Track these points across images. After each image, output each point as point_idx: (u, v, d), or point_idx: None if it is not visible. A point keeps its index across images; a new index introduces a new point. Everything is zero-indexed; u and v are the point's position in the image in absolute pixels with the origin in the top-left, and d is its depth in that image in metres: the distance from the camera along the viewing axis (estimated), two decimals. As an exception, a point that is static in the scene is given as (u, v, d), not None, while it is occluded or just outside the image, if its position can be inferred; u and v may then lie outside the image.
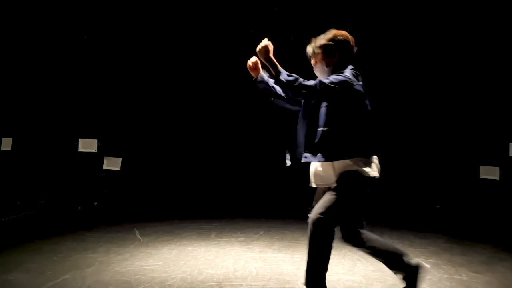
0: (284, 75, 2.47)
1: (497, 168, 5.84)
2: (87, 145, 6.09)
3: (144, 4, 6.46)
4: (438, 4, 6.32)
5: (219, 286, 2.97)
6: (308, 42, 2.70)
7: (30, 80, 5.98)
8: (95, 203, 6.10)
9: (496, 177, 5.85)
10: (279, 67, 2.50)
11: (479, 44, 6.16)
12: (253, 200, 5.94)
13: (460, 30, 6.31)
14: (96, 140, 6.15)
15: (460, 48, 6.37)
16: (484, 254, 4.01)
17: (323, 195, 2.59)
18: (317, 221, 2.46)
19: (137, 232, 4.63)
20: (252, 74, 2.74)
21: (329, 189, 2.58)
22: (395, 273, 2.72)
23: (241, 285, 3.01)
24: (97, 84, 6.38)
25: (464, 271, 3.44)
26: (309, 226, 2.49)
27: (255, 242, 4.32)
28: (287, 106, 2.80)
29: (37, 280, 3.02)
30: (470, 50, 6.27)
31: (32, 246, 3.96)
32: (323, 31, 2.72)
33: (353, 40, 2.65)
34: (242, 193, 6.87)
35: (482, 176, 6.01)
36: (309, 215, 2.57)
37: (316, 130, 2.54)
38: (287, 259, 3.71)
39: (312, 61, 2.67)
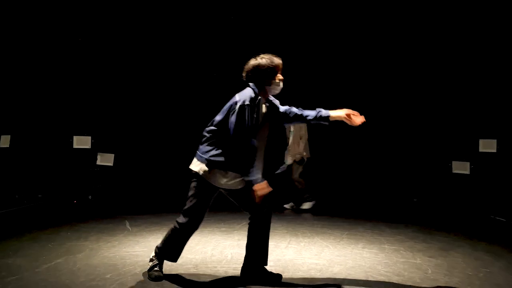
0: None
1: (468, 163, 6.18)
2: (81, 142, 6.41)
3: (135, 5, 6.71)
4: (417, 3, 6.57)
5: (195, 268, 3.32)
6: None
7: (27, 80, 6.25)
8: (90, 197, 6.43)
9: (467, 172, 6.19)
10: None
11: (451, 45, 6.45)
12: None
13: (430, 30, 6.57)
14: (90, 137, 6.45)
15: (433, 49, 6.66)
16: (444, 241, 4.36)
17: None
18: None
19: (127, 223, 4.97)
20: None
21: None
22: None
23: (215, 267, 3.36)
24: (91, 84, 6.67)
25: (420, 256, 3.80)
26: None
27: (235, 231, 4.67)
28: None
29: (33, 263, 3.36)
30: (442, 51, 6.57)
31: (30, 236, 4.29)
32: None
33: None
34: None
35: (454, 171, 6.36)
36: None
37: None
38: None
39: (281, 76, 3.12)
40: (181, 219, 3.13)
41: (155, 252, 3.18)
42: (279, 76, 3.06)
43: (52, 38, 6.36)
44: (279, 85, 3.07)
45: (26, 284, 2.94)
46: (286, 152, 5.94)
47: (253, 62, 3.05)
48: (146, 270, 3.19)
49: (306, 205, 6.09)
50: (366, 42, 7.07)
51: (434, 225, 5.25)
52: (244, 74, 3.10)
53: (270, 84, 3.05)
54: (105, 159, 6.50)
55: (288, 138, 5.94)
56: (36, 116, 6.37)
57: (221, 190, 3.10)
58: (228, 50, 7.11)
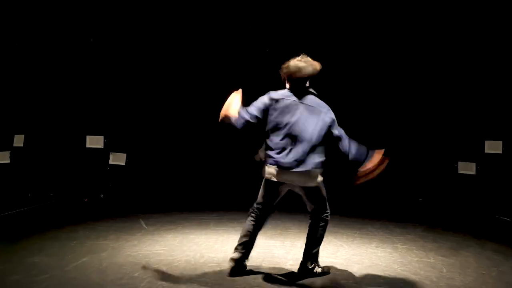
0: None
1: (474, 164, 6.30)
2: (94, 142, 6.50)
3: (146, 6, 6.75)
4: (416, 4, 6.62)
5: (219, 266, 3.44)
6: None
7: (41, 81, 6.33)
8: (101, 196, 6.51)
9: (473, 172, 6.31)
10: None
11: (457, 45, 6.50)
12: (249, 193, 6.34)
13: (436, 31, 6.61)
14: (102, 137, 6.54)
15: (439, 49, 6.70)
16: (453, 241, 4.50)
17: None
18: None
19: (142, 222, 5.05)
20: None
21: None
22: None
23: (238, 266, 3.46)
24: (103, 85, 6.74)
25: (433, 255, 3.93)
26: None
27: (250, 231, 4.77)
28: None
29: (60, 262, 3.45)
30: (448, 51, 6.61)
31: (49, 234, 4.36)
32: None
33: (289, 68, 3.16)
34: (239, 187, 7.30)
35: (460, 171, 6.48)
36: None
37: None
38: (278, 245, 4.17)
39: None
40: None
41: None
42: None
43: (64, 38, 6.42)
44: None
45: (59, 283, 3.03)
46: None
47: (310, 65, 3.16)
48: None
49: None
50: (373, 41, 7.08)
51: (441, 224, 5.38)
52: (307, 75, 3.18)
53: None
54: (117, 159, 6.58)
55: None
56: (50, 115, 6.44)
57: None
58: (239, 49, 7.17)
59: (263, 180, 3.28)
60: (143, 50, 6.95)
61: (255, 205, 3.39)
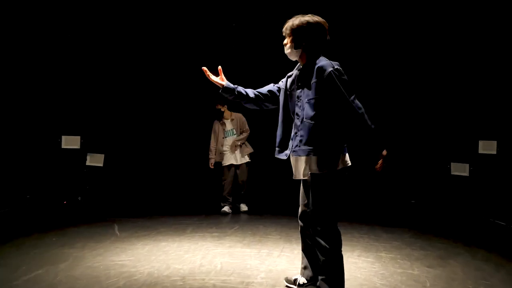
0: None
1: (467, 165, 6.04)
2: (70, 142, 6.24)
3: (124, 4, 6.54)
4: (414, 6, 6.43)
5: (182, 280, 3.17)
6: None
7: (14, 79, 6.06)
8: (79, 198, 6.27)
9: (466, 174, 6.05)
10: None
11: (449, 45, 6.30)
12: (234, 196, 6.13)
13: (428, 32, 6.43)
14: (79, 137, 6.28)
15: (431, 50, 6.51)
16: (442, 248, 4.22)
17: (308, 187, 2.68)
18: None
19: (116, 227, 4.82)
20: (217, 84, 2.92)
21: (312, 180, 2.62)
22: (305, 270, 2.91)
23: (204, 279, 3.20)
24: (79, 82, 6.49)
25: (418, 265, 3.65)
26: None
27: (227, 237, 4.52)
28: (259, 107, 2.98)
29: (11, 275, 3.19)
30: (441, 52, 6.42)
31: (13, 242, 4.12)
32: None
33: (326, 26, 2.68)
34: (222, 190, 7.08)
35: (453, 173, 6.22)
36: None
37: (303, 123, 2.63)
38: (253, 254, 3.90)
39: (285, 41, 2.76)
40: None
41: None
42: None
43: (39, 35, 6.17)
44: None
45: (1, 300, 2.78)
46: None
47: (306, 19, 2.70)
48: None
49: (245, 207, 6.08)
50: (363, 45, 6.92)
51: (432, 229, 5.12)
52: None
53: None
54: (95, 160, 6.33)
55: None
56: (24, 115, 6.18)
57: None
58: (217, 51, 6.98)
59: (341, 171, 2.69)
60: (121, 48, 6.75)
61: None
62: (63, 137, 6.24)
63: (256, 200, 6.56)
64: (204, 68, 2.93)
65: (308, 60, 2.71)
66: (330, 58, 2.74)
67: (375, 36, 6.84)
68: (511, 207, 5.40)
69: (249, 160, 6.01)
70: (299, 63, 2.82)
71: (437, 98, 6.55)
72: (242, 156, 5.94)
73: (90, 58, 6.54)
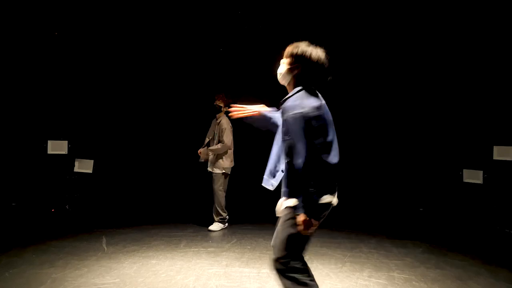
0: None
1: (481, 172, 5.67)
2: (57, 147, 5.85)
3: (113, 5, 6.22)
4: (418, 10, 6.12)
5: (172, 310, 2.80)
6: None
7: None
8: (67, 207, 5.89)
9: (479, 181, 5.68)
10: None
11: (462, 51, 5.99)
12: (232, 204, 5.75)
13: (442, 37, 6.13)
14: (66, 142, 5.90)
15: (444, 55, 6.21)
16: (460, 266, 3.86)
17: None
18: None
19: (104, 241, 4.45)
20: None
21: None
22: None
23: (196, 309, 2.83)
24: (67, 85, 6.13)
25: (436, 289, 3.28)
26: None
27: (224, 253, 4.14)
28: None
29: (-22, 303, 2.83)
30: (454, 57, 6.11)
31: (-12, 259, 3.76)
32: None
33: (326, 62, 2.36)
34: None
35: (465, 180, 5.85)
36: None
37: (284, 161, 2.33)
38: (253, 274, 3.53)
39: (282, 60, 2.42)
40: None
41: None
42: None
43: (26, 37, 5.81)
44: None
45: None
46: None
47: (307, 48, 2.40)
48: None
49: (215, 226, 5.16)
50: (375, 46, 6.62)
51: (446, 242, 4.75)
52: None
53: None
54: (84, 166, 5.95)
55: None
56: (8, 119, 5.81)
57: None
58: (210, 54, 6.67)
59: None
60: (111, 51, 6.42)
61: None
62: (49, 142, 5.85)
63: (256, 210, 6.18)
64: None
65: (291, 92, 2.34)
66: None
67: (387, 39, 6.54)
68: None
69: (221, 172, 5.12)
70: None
71: (450, 100, 6.21)
72: (214, 166, 5.14)
73: (78, 59, 6.21)
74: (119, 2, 6.07)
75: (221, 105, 5.23)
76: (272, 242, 2.40)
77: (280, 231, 2.31)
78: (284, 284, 2.27)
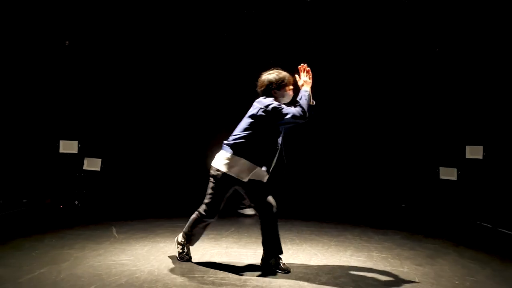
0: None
1: (455, 170, 6.23)
2: (67, 147, 6.31)
3: (124, 10, 6.64)
4: (405, 13, 6.60)
5: (182, 278, 3.28)
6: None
7: (13, 83, 6.14)
8: (76, 202, 6.33)
9: (454, 178, 6.24)
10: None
11: (438, 52, 6.47)
12: (230, 199, 6.23)
13: (421, 37, 6.59)
14: (76, 142, 6.36)
15: (421, 56, 6.67)
16: (431, 248, 4.39)
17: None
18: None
19: (114, 230, 4.90)
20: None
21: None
22: None
23: (202, 277, 3.32)
24: (77, 87, 6.57)
25: (407, 264, 3.80)
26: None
27: (223, 239, 4.63)
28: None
29: (15, 274, 3.28)
30: (430, 58, 6.58)
31: (13, 243, 4.19)
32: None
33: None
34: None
35: (441, 177, 6.41)
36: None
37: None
38: (249, 254, 4.03)
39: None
40: (202, 208, 3.66)
41: (182, 237, 3.74)
42: (289, 87, 3.49)
43: (38, 41, 6.25)
44: (289, 96, 3.51)
45: (8, 296, 2.87)
46: None
47: (263, 77, 3.52)
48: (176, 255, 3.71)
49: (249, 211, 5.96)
50: (356, 50, 7.08)
51: (422, 231, 5.28)
52: (258, 89, 3.53)
53: (282, 95, 3.48)
54: (92, 164, 6.41)
55: None
56: (22, 119, 6.25)
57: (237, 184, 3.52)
58: (218, 54, 7.09)
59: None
60: (120, 52, 6.83)
61: None
62: (61, 142, 6.31)
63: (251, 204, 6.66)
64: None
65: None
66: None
67: (367, 42, 6.97)
68: (497, 210, 5.60)
69: None
70: None
71: (426, 104, 6.74)
72: None
73: (88, 62, 6.61)
74: (130, 7, 6.50)
75: None
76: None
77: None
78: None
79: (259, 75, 3.55)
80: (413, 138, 6.87)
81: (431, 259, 3.98)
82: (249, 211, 6.01)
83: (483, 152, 5.89)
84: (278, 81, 3.44)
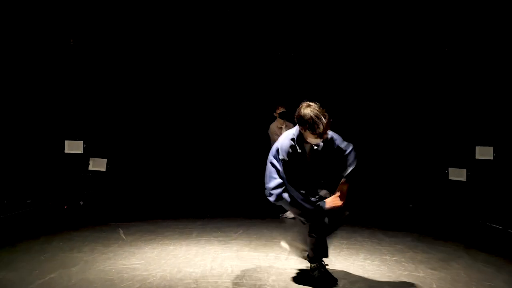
0: None
1: (464, 170, 6.18)
2: (73, 147, 6.25)
3: (126, 9, 6.59)
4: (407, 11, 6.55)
5: (196, 283, 3.23)
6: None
7: (17, 83, 6.08)
8: (81, 203, 6.27)
9: (463, 179, 6.19)
10: None
11: (448, 50, 6.42)
12: (235, 200, 6.19)
13: (429, 36, 6.54)
14: (82, 142, 6.30)
15: (428, 54, 6.62)
16: (444, 251, 4.33)
17: None
18: None
19: (121, 232, 4.85)
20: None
21: None
22: None
23: (216, 282, 3.26)
24: (83, 87, 6.51)
25: (422, 268, 3.75)
26: None
27: (233, 241, 4.58)
28: None
29: (26, 278, 3.23)
30: (439, 57, 6.53)
31: (21, 246, 4.15)
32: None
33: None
34: (225, 193, 7.12)
35: (450, 178, 6.36)
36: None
37: None
38: (261, 257, 3.97)
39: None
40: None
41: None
42: (310, 136, 3.10)
43: (43, 40, 6.19)
44: (309, 141, 3.17)
45: (20, 303, 2.81)
46: None
47: (302, 110, 3.11)
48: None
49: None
50: (360, 49, 7.03)
51: (432, 233, 5.22)
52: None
53: (306, 136, 3.14)
54: (98, 164, 6.35)
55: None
56: (27, 119, 6.19)
57: None
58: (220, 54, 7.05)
59: None
60: (124, 53, 6.78)
61: None
62: (66, 142, 6.25)
63: (257, 204, 6.61)
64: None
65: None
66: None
67: (371, 41, 6.93)
68: (507, 212, 5.54)
69: None
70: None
71: (435, 104, 6.68)
72: None
73: (93, 62, 6.56)
74: (134, 7, 6.45)
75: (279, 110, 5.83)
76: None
77: None
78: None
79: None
80: (422, 138, 6.81)
81: (445, 263, 3.93)
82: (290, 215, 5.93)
83: (494, 152, 5.83)
84: (307, 120, 3.07)
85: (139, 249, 4.16)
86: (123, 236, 4.66)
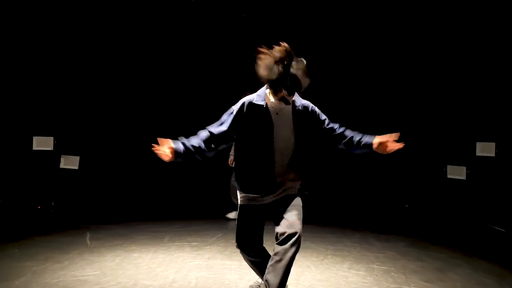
0: None
1: (464, 168, 5.74)
2: (42, 143, 5.82)
3: (100, 4, 6.25)
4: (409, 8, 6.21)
5: (150, 300, 2.81)
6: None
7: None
8: (52, 203, 5.87)
9: (463, 177, 5.75)
10: None
11: (447, 46, 6.05)
12: (220, 200, 5.79)
13: (427, 33, 6.21)
14: (52, 138, 5.88)
15: (429, 50, 6.27)
16: (440, 259, 3.91)
17: None
18: None
19: (88, 236, 4.45)
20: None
21: None
22: None
23: (174, 298, 2.84)
24: (52, 80, 6.10)
25: (414, 279, 3.32)
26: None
27: (207, 247, 4.16)
28: None
29: (-45, 294, 2.82)
30: (439, 53, 6.18)
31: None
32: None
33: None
34: (210, 193, 6.71)
35: (449, 176, 5.92)
36: None
37: None
38: (234, 266, 3.55)
39: None
40: None
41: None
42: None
43: (11, 33, 5.80)
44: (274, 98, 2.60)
45: None
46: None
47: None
48: None
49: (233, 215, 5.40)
50: (359, 48, 6.71)
51: (428, 237, 4.81)
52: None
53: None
54: (70, 162, 5.93)
55: None
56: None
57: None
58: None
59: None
60: (97, 46, 6.42)
61: None
62: (35, 138, 5.81)
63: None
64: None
65: None
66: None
67: (370, 40, 6.62)
68: (510, 213, 5.11)
69: None
70: None
71: (434, 97, 6.28)
72: None
73: (64, 54, 6.17)
74: (114, 5, 6.13)
75: None
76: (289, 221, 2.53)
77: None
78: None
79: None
80: (418, 134, 6.37)
81: (440, 273, 3.50)
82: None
83: (496, 149, 5.40)
84: None
85: (99, 256, 3.75)
86: (88, 241, 4.26)
